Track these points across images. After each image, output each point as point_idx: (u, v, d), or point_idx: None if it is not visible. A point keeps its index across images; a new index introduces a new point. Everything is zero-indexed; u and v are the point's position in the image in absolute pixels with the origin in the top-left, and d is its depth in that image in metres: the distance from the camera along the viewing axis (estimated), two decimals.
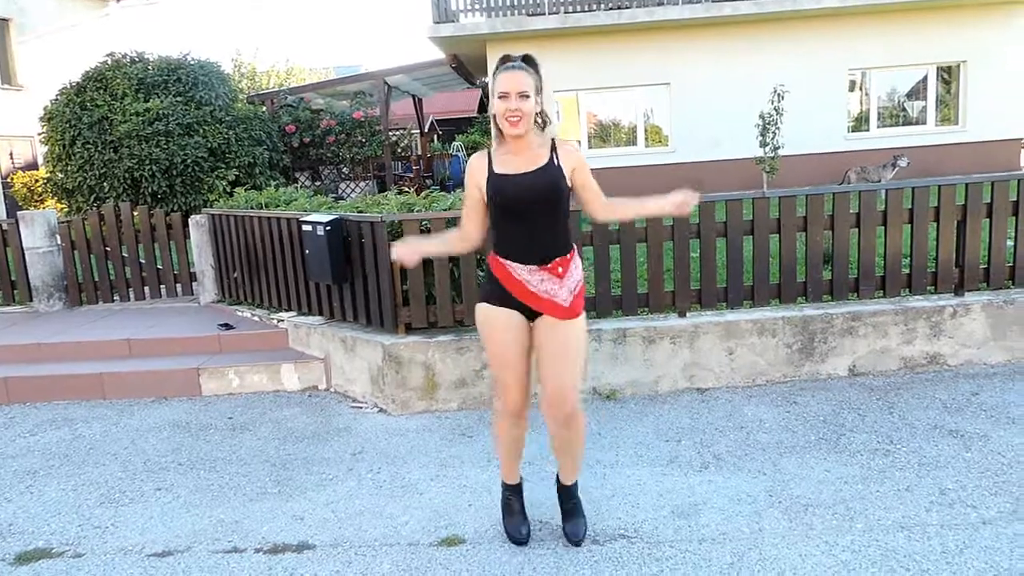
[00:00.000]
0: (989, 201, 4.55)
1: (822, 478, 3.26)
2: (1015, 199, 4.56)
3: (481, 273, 4.60)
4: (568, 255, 2.66)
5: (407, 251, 2.75)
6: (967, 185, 4.55)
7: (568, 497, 2.95)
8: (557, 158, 2.60)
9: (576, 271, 2.69)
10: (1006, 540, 2.70)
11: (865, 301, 4.62)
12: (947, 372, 4.46)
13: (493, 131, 2.67)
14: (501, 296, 2.67)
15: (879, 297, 4.65)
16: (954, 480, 3.16)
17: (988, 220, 4.58)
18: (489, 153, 2.67)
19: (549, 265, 2.61)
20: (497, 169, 2.60)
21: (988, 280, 4.65)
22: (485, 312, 2.72)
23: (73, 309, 6.65)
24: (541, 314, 2.67)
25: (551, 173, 2.58)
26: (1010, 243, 4.68)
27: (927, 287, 4.63)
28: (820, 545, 2.74)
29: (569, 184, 2.63)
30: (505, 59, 2.59)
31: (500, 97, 2.52)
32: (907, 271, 4.63)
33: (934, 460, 3.35)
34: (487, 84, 14.59)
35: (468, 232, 2.76)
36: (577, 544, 2.84)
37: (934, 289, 4.64)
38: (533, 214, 2.58)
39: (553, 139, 2.64)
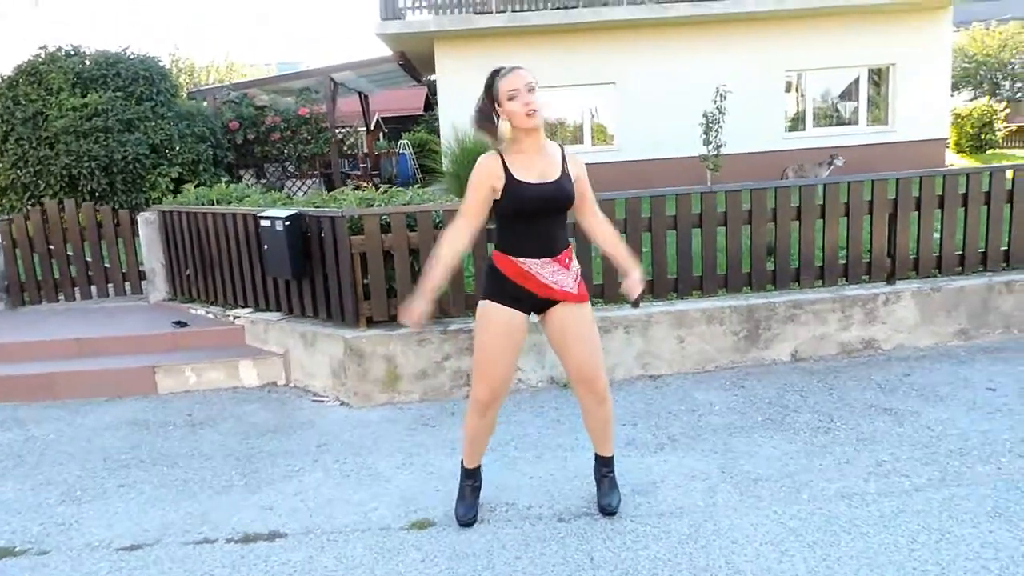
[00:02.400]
0: (917, 195, 4.86)
1: (769, 455, 3.46)
2: (940, 193, 4.89)
3: None
4: (569, 247, 2.84)
5: (418, 310, 2.73)
6: (898, 180, 4.84)
7: (606, 468, 3.06)
8: (566, 165, 2.76)
9: (575, 262, 2.86)
10: (936, 504, 2.93)
11: (805, 290, 4.88)
12: (881, 356, 4.75)
13: (502, 135, 2.69)
14: (510, 294, 2.77)
15: (818, 286, 4.92)
16: (889, 453, 3.41)
17: (917, 213, 4.89)
18: (501, 155, 2.71)
19: (559, 256, 2.77)
20: (516, 175, 2.68)
21: (917, 269, 4.97)
22: (493, 310, 2.78)
23: (16, 310, 6.46)
24: (545, 309, 2.82)
25: (565, 184, 2.73)
26: (936, 235, 5.01)
27: (862, 276, 4.92)
28: (769, 515, 2.93)
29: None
30: (496, 71, 2.70)
31: (510, 98, 2.62)
32: (844, 261, 4.91)
33: (871, 436, 3.60)
34: (434, 82, 14.66)
35: (475, 227, 2.77)
36: (611, 515, 2.97)
37: (868, 278, 4.93)
38: (546, 217, 2.73)
39: (561, 146, 2.81)
